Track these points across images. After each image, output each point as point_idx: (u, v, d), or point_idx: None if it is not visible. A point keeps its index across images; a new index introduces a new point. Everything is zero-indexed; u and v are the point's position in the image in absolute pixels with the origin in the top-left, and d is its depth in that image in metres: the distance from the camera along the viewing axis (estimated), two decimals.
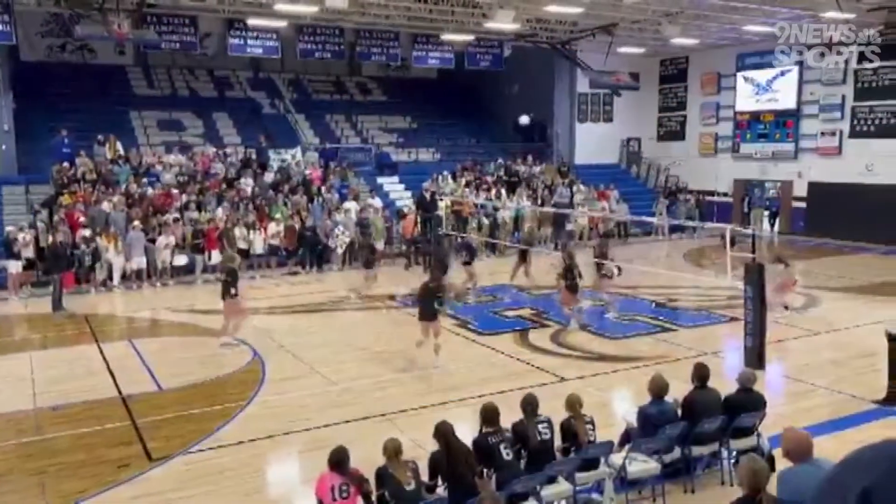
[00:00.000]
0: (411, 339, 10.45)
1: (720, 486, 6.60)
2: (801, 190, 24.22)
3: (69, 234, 16.53)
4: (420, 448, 6.32)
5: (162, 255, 17.11)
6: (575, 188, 24.22)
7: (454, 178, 23.71)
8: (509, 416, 6.28)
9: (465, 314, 13.63)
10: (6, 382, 10.06)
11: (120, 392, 9.45)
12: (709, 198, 26.36)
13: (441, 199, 20.90)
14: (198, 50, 21.97)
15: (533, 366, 10.41)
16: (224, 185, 20.59)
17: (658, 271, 15.86)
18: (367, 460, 5.58)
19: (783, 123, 24.82)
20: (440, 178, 23.30)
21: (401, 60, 24.54)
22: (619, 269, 15.19)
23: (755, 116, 25.65)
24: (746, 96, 25.84)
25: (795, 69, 23.86)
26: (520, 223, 21.92)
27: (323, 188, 21.40)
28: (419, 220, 20.10)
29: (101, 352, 11.43)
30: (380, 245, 19.77)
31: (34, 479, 6.95)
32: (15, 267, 15.87)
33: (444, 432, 5.70)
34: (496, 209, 21.50)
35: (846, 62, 22.08)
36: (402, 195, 23.63)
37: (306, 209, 19.78)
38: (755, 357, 9.92)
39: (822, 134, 23.58)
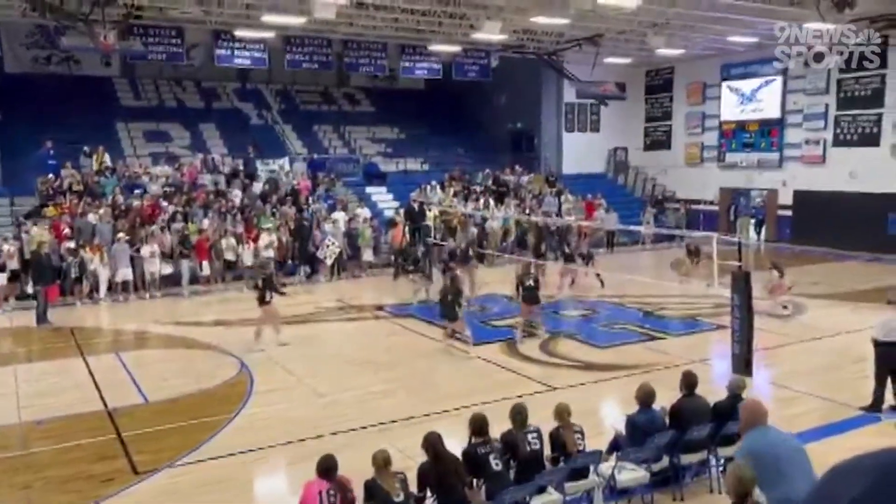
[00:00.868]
0: (400, 350, 10.43)
1: (709, 494, 6.61)
2: (786, 198, 24.42)
3: (55, 246, 16.41)
4: (409, 459, 6.29)
5: (148, 265, 16.99)
6: (563, 198, 24.32)
7: (442, 187, 23.76)
8: (499, 427, 6.27)
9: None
10: None
11: (106, 405, 9.35)
12: (695, 206, 26.56)
13: (429, 209, 20.94)
14: (184, 61, 21.92)
15: (522, 375, 10.40)
16: (212, 196, 20.52)
17: (645, 280, 15.90)
18: (355, 471, 5.55)
19: (768, 132, 25.06)
20: (428, 187, 23.34)
21: (389, 71, 24.61)
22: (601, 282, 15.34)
23: (740, 126, 25.89)
24: (731, 106, 26.09)
25: (779, 79, 24.16)
26: (508, 233, 21.97)
27: (311, 199, 21.36)
28: (407, 229, 20.09)
29: (87, 365, 11.32)
30: (368, 255, 19.79)
31: (20, 494, 6.86)
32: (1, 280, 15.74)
33: (432, 443, 5.68)
34: (485, 219, 21.54)
35: (829, 72, 22.40)
36: (390, 205, 23.62)
37: (294, 220, 19.74)
38: (743, 364, 9.96)
39: (807, 142, 23.82)
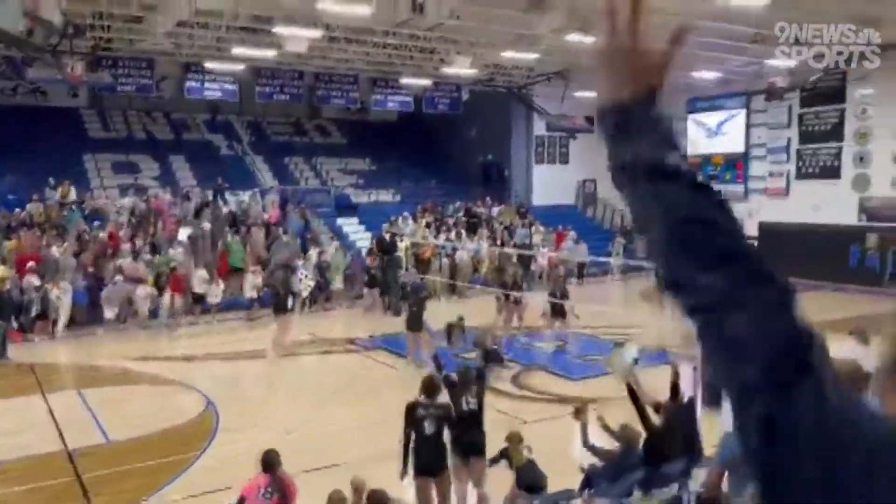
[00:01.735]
0: (370, 383, 10.31)
1: None
2: (752, 230, 24.84)
3: (17, 281, 16.02)
4: None
5: (141, 304, 16.63)
6: (534, 229, 24.47)
7: (415, 219, 23.77)
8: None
9: (424, 357, 13.44)
10: None
11: (65, 445, 9.06)
12: None
13: (401, 241, 20.90)
14: (154, 93, 21.81)
15: (492, 409, 10.30)
16: (179, 228, 20.24)
17: (616, 311, 15.99)
18: None
19: (733, 166, 25.56)
20: (400, 219, 23.34)
21: (360, 104, 24.73)
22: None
23: (706, 159, 26.37)
24: (697, 140, 26.60)
25: (743, 112, 24.74)
26: (479, 265, 21.99)
27: (280, 229, 21.18)
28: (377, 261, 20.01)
29: (47, 402, 10.99)
30: (338, 283, 19.62)
31: None
32: None
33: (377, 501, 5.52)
34: (455, 250, 21.52)
35: (790, 106, 23.02)
36: (361, 236, 23.56)
37: (265, 247, 19.56)
38: (714, 396, 9.98)
39: (770, 175, 24.35)
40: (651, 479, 6.55)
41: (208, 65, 20.60)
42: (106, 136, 26.42)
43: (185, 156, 26.30)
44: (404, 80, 23.57)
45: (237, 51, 18.73)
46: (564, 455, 8.02)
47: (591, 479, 6.79)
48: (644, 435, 6.72)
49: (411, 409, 6.64)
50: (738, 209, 25.01)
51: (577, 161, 29.14)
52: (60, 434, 9.47)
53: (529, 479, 6.61)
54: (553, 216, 26.50)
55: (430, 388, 6.88)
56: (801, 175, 23.53)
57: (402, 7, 15.41)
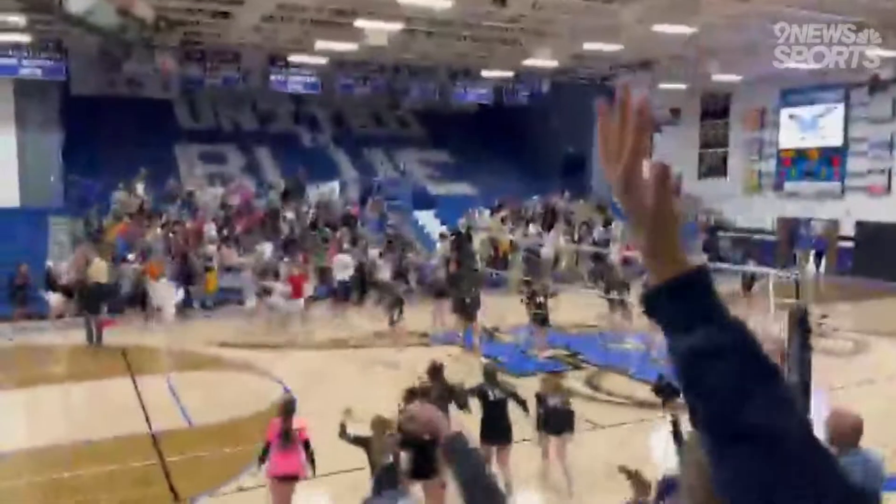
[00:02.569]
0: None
1: None
2: (848, 229, 23.53)
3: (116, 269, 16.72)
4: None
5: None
6: (614, 224, 23.88)
7: (492, 213, 23.62)
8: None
9: (495, 353, 13.32)
10: (38, 415, 10.14)
11: (150, 428, 9.43)
12: (756, 236, 25.76)
13: (476, 234, 20.81)
14: (240, 85, 22.41)
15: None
16: (266, 221, 20.67)
17: None
18: None
19: (829, 161, 24.25)
20: (476, 212, 23.24)
21: (440, 95, 24.72)
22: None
23: (800, 153, 25.13)
24: (791, 133, 25.37)
25: (841, 106, 23.41)
26: (558, 261, 21.65)
27: (359, 223, 21.41)
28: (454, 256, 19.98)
29: (136, 385, 11.46)
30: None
31: None
32: (56, 300, 16.03)
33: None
34: (540, 247, 21.14)
35: (894, 99, 21.63)
36: (438, 229, 23.61)
37: (351, 242, 19.78)
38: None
39: (870, 172, 22.96)
40: None
41: (292, 58, 21.01)
42: (195, 127, 27.41)
43: (270, 146, 27.00)
44: (485, 73, 23.41)
45: (320, 44, 19.00)
46: (644, 461, 7.78)
47: (668, 489, 6.53)
48: None
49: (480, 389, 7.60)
50: (834, 207, 23.80)
51: (661, 154, 28.21)
52: (146, 417, 9.86)
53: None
54: None
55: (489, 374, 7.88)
56: None
57: None
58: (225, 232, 19.45)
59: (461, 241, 20.10)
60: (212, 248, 18.33)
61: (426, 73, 23.35)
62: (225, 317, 17.09)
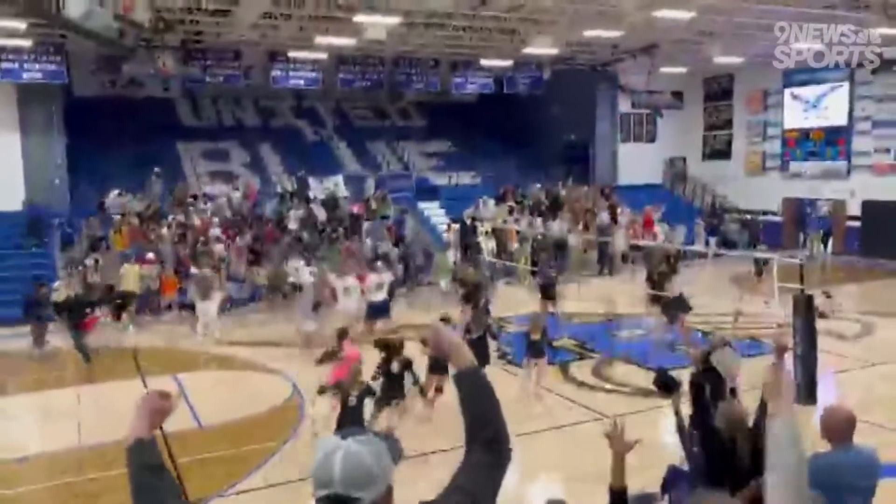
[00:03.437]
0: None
1: None
2: (854, 209, 23.43)
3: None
4: None
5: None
6: (620, 210, 23.82)
7: (497, 202, 23.61)
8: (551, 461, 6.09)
9: (503, 343, 13.30)
10: (51, 419, 10.25)
11: (161, 429, 9.49)
12: (761, 217, 25.68)
13: (481, 225, 20.81)
14: (241, 82, 22.42)
15: (572, 401, 10.17)
16: (276, 229, 20.44)
17: (704, 299, 15.39)
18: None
19: (834, 141, 24.12)
20: (481, 202, 23.23)
21: (440, 86, 24.68)
22: None
23: (804, 134, 25.00)
24: (795, 113, 25.24)
25: (846, 85, 23.26)
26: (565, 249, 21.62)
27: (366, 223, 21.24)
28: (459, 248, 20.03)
29: (145, 387, 11.57)
30: (443, 287, 18.34)
31: None
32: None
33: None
34: (543, 236, 21.11)
35: None
36: (442, 220, 23.64)
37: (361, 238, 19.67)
38: (806, 393, 9.52)
39: (876, 151, 22.83)
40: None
41: (292, 54, 21.00)
42: (197, 125, 27.46)
43: (272, 142, 27.03)
44: (484, 62, 23.34)
45: (319, 39, 18.99)
46: (649, 453, 7.82)
47: (672, 481, 6.55)
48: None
49: None
50: (840, 187, 23.69)
51: (664, 138, 28.25)
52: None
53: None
54: (639, 196, 25.79)
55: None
56: None
57: None
58: (239, 240, 19.08)
59: (465, 232, 20.13)
60: (219, 248, 18.30)
61: (426, 65, 23.28)
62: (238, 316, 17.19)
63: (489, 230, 20.54)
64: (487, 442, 2.03)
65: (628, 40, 21.08)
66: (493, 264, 19.81)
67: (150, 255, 17.39)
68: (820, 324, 10.56)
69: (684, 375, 11.43)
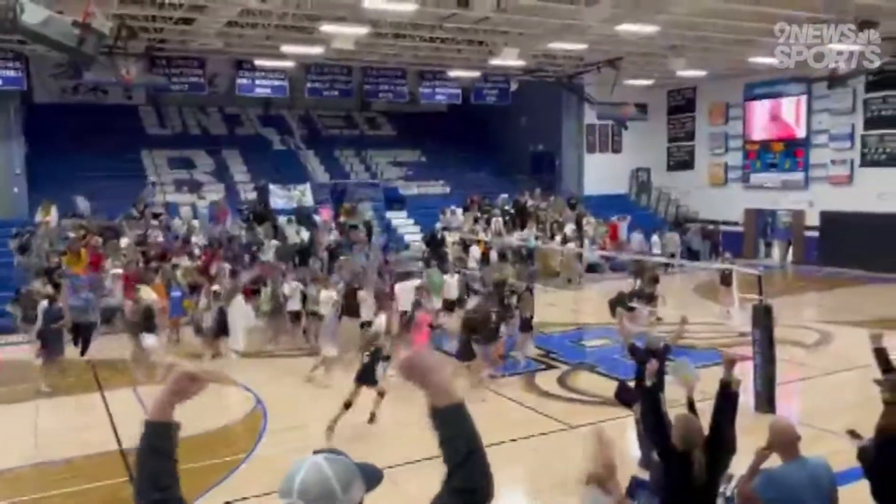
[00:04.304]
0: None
1: None
2: (812, 219, 23.99)
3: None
4: None
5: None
6: (585, 220, 24.07)
7: (465, 211, 23.70)
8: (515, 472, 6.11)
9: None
10: (5, 435, 9.99)
11: (120, 444, 9.34)
12: (722, 227, 26.13)
13: (448, 235, 20.85)
14: (206, 91, 22.22)
15: (538, 412, 10.22)
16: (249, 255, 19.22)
17: (667, 309, 15.58)
18: None
19: (793, 153, 24.69)
20: (448, 212, 23.29)
21: (408, 96, 24.73)
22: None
23: (764, 146, 25.54)
24: (755, 126, 25.78)
25: (804, 98, 23.83)
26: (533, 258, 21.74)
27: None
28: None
29: (105, 401, 11.34)
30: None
31: None
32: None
33: None
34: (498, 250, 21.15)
35: (854, 91, 22.05)
36: (410, 230, 23.63)
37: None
38: (765, 401, 9.70)
39: (833, 163, 23.42)
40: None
41: (258, 62, 20.86)
42: (162, 133, 27.10)
43: (239, 150, 26.79)
44: (452, 73, 23.45)
45: (286, 48, 18.90)
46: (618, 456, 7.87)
47: (635, 488, 6.61)
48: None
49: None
50: (799, 198, 24.24)
51: (630, 149, 28.63)
52: (115, 432, 9.76)
53: None
54: (605, 206, 26.10)
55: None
56: (866, 162, 22.60)
57: (448, 1, 15.28)
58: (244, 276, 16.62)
59: (434, 245, 20.14)
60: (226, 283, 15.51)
61: (394, 75, 23.31)
62: None
63: (456, 240, 20.58)
64: (462, 491, 1.86)
65: (593, 53, 21.36)
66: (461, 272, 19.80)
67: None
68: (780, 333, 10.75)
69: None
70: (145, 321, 12.71)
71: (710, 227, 25.87)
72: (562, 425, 9.61)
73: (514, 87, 25.27)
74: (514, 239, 21.54)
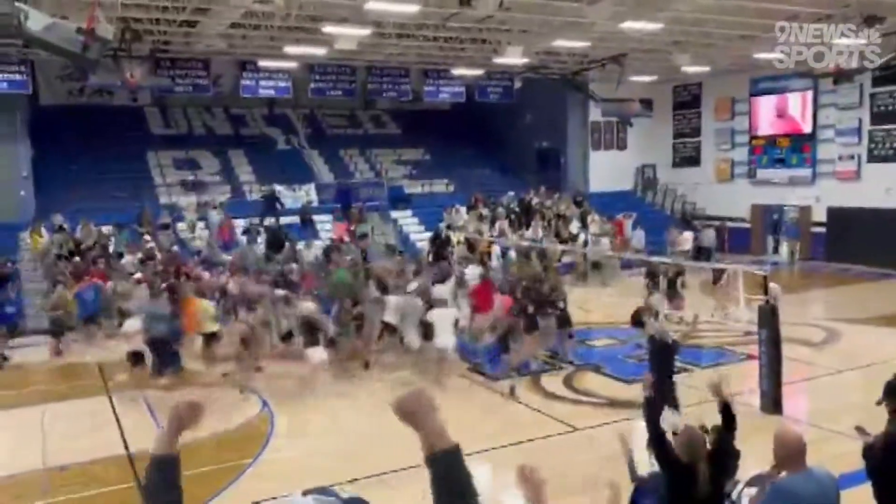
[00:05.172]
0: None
1: None
2: (819, 215, 23.87)
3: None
4: None
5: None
6: (589, 218, 23.99)
7: (469, 209, 23.67)
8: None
9: (477, 356, 13.30)
10: (17, 439, 10.05)
11: (127, 449, 9.36)
12: (729, 224, 26.03)
13: (453, 234, 20.83)
14: (211, 92, 22.24)
15: (543, 414, 10.21)
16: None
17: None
18: None
19: (799, 148, 24.56)
20: (453, 210, 23.28)
21: (412, 95, 24.71)
22: None
23: (770, 141, 25.42)
24: (761, 121, 25.65)
25: (810, 94, 23.69)
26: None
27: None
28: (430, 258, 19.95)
29: (112, 405, 11.37)
30: None
31: None
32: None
33: None
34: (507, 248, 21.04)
35: (861, 86, 21.92)
36: (415, 229, 23.63)
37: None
38: (771, 403, 9.68)
39: (840, 158, 23.29)
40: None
41: (262, 63, 20.89)
42: (167, 133, 27.15)
43: (244, 150, 26.83)
44: (456, 71, 23.42)
45: (289, 49, 18.91)
46: (618, 466, 7.86)
47: (639, 494, 6.60)
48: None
49: None
50: (806, 194, 24.12)
51: (635, 146, 28.54)
52: (123, 437, 9.80)
53: None
54: (611, 203, 26.03)
55: None
56: (874, 157, 22.44)
57: (451, 0, 15.26)
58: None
59: (439, 244, 20.13)
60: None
61: (398, 74, 23.30)
62: None
63: (461, 239, 20.56)
64: None
65: (597, 50, 21.29)
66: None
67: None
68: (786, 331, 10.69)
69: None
70: (310, 335, 11.63)
71: (716, 223, 25.76)
72: (566, 427, 9.59)
73: (518, 84, 25.22)
74: (520, 238, 21.47)
